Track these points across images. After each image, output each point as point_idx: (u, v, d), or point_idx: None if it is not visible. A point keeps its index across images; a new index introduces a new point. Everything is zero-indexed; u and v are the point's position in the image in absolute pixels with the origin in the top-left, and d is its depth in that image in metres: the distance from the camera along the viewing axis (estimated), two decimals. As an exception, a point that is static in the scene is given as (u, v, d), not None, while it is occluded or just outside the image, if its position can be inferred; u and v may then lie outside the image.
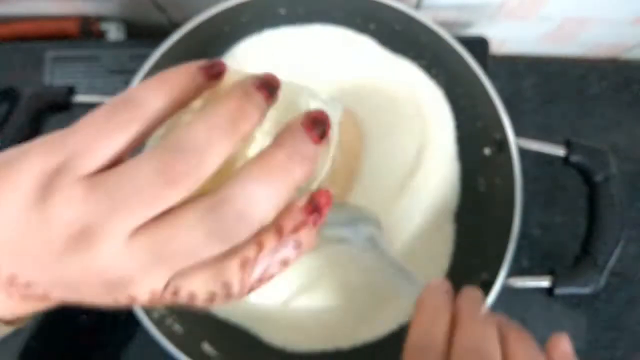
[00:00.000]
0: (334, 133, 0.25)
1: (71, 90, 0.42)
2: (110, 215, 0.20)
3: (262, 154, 0.22)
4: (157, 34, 0.44)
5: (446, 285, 0.31)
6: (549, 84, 0.56)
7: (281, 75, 0.24)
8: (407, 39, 0.46)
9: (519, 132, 0.41)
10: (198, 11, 0.43)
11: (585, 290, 0.39)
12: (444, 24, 0.43)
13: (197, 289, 0.22)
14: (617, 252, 0.39)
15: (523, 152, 0.41)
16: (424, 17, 0.43)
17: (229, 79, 0.24)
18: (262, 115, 0.23)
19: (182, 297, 0.22)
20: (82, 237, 0.20)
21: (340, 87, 0.46)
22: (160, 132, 0.23)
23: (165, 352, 0.38)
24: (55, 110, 0.42)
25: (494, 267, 0.39)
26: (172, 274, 0.21)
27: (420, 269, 0.44)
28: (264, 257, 0.22)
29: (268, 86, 0.23)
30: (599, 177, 0.40)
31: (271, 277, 0.23)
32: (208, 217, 0.21)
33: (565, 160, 0.41)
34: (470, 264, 0.43)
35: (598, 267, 0.39)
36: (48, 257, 0.20)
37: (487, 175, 0.44)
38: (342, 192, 0.42)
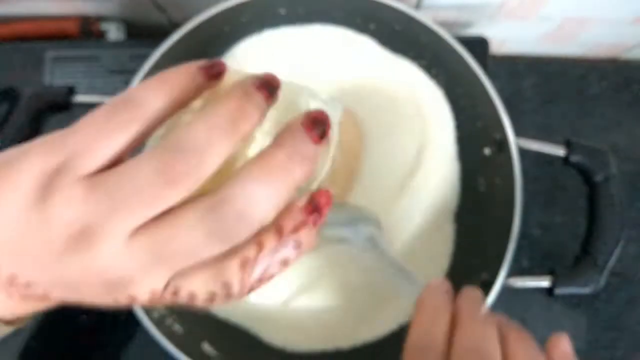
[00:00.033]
0: (334, 133, 0.25)
1: (71, 90, 0.42)
2: (110, 215, 0.20)
3: (262, 154, 0.22)
4: (157, 34, 0.44)
5: (446, 285, 0.31)
6: (549, 84, 0.56)
7: (281, 75, 0.24)
8: (407, 39, 0.46)
9: (519, 132, 0.41)
10: (198, 11, 0.43)
11: (585, 290, 0.39)
12: (444, 24, 0.43)
13: (197, 289, 0.22)
14: (617, 252, 0.39)
15: (523, 152, 0.41)
16: (424, 17, 0.43)
17: (229, 79, 0.24)
18: (262, 115, 0.23)
19: (182, 297, 0.22)
20: (82, 237, 0.20)
21: (340, 87, 0.46)
22: (160, 132, 0.23)
23: (165, 352, 0.38)
24: (55, 110, 0.42)
25: (494, 267, 0.39)
26: (172, 274, 0.21)
27: (420, 268, 0.44)
28: (264, 257, 0.22)
29: (268, 86, 0.23)
30: (599, 177, 0.40)
31: (271, 277, 0.23)
32: (208, 217, 0.21)
33: (565, 160, 0.41)
34: (470, 264, 0.43)
35: (598, 267, 0.39)
36: (48, 257, 0.20)
37: (487, 175, 0.44)
38: (342, 192, 0.42)
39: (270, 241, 0.22)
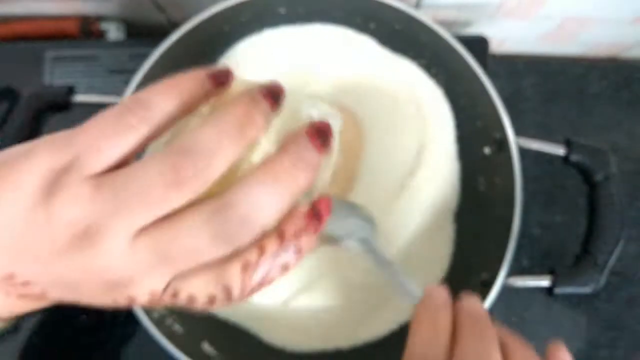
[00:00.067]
0: (335, 142, 0.26)
1: (71, 90, 0.42)
2: (116, 215, 0.20)
3: (268, 160, 0.22)
4: (156, 34, 0.44)
5: (444, 294, 0.30)
6: (548, 83, 0.56)
7: (283, 79, 0.25)
8: (407, 38, 0.46)
9: (518, 132, 0.41)
10: (198, 11, 0.42)
11: (585, 289, 0.39)
12: (444, 23, 0.43)
13: (197, 292, 0.22)
14: (617, 251, 0.39)
15: (523, 152, 0.41)
16: (424, 16, 0.43)
17: (235, 87, 0.24)
18: (268, 121, 0.23)
19: (182, 299, 0.22)
20: (86, 236, 0.20)
21: (340, 86, 0.46)
22: (164, 138, 0.23)
23: (165, 351, 0.38)
24: (55, 110, 0.42)
25: (494, 266, 0.39)
26: (172, 276, 0.21)
27: (420, 268, 0.44)
28: (265, 261, 0.22)
29: (274, 94, 0.23)
30: (599, 177, 0.40)
31: (271, 281, 0.23)
32: (213, 220, 0.21)
33: (565, 159, 0.41)
34: (470, 263, 0.43)
35: (598, 266, 0.39)
36: (49, 255, 0.20)
37: (487, 174, 0.44)
38: (342, 192, 0.42)
39: (271, 245, 0.22)
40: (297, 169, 0.22)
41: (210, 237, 0.21)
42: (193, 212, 0.21)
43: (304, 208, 0.23)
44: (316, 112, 0.27)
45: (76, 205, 0.20)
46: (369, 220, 0.37)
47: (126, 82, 0.41)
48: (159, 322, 0.39)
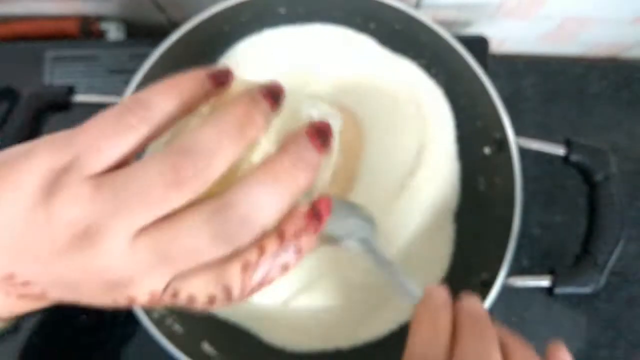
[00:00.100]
0: (335, 142, 0.26)
1: (71, 90, 0.42)
2: (116, 215, 0.20)
3: (267, 161, 0.22)
4: (156, 34, 0.44)
5: (444, 294, 0.30)
6: (548, 83, 0.56)
7: (283, 79, 0.25)
8: (406, 38, 0.46)
9: (518, 132, 0.41)
10: (198, 11, 0.42)
11: (585, 289, 0.39)
12: (444, 23, 0.43)
13: (197, 291, 0.22)
14: (617, 251, 0.39)
15: (523, 152, 0.41)
16: (424, 16, 0.43)
17: (235, 87, 0.25)
18: (268, 121, 0.23)
19: (182, 299, 0.22)
20: (86, 236, 0.20)
21: (340, 86, 0.46)
22: (164, 138, 0.23)
23: (165, 351, 0.38)
24: (54, 110, 0.42)
25: (494, 266, 0.39)
26: (172, 276, 0.21)
27: (420, 268, 0.44)
28: (265, 261, 0.22)
29: (274, 94, 0.24)
30: (599, 177, 0.40)
31: (271, 281, 0.23)
32: (213, 220, 0.21)
33: (565, 159, 0.41)
34: (470, 263, 0.43)
35: (598, 266, 0.39)
36: (50, 255, 0.20)
37: (487, 174, 0.44)
38: (342, 192, 0.42)
39: (272, 245, 0.22)
40: (297, 169, 0.22)
41: (210, 237, 0.21)
42: (193, 212, 0.21)
43: (304, 208, 0.23)
44: (316, 112, 0.27)
45: (76, 205, 0.20)
46: (369, 220, 0.37)
47: (126, 82, 0.41)
48: (159, 322, 0.39)
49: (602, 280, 0.39)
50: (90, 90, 0.51)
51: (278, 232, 0.22)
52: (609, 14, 0.51)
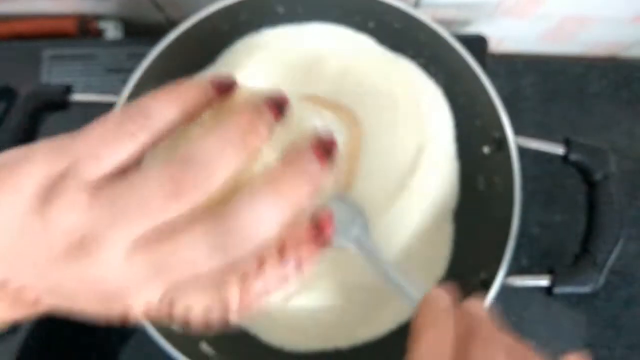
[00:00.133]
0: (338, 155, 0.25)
1: (68, 89, 0.42)
2: (113, 224, 0.20)
3: (270, 172, 0.22)
4: (154, 33, 0.44)
5: (448, 299, 0.29)
6: (548, 83, 0.56)
7: (282, 79, 0.24)
8: (405, 37, 0.45)
9: (518, 131, 0.41)
10: (196, 10, 0.42)
11: (585, 289, 0.39)
12: (443, 22, 0.43)
13: (194, 303, 0.21)
14: (616, 250, 0.39)
15: (522, 151, 0.41)
16: (423, 15, 0.43)
17: (239, 95, 0.24)
18: (271, 132, 0.23)
19: (178, 311, 0.21)
20: (82, 245, 0.20)
21: (338, 85, 0.46)
22: (163, 144, 0.23)
23: (164, 351, 0.38)
24: (52, 109, 0.42)
25: (493, 266, 0.39)
26: (169, 287, 0.21)
27: (419, 268, 0.44)
28: (264, 274, 0.22)
29: (278, 105, 0.23)
30: (598, 176, 0.40)
31: (269, 294, 0.22)
32: (212, 231, 0.20)
33: (565, 158, 0.41)
34: (469, 262, 0.43)
35: (597, 265, 0.39)
36: (45, 262, 0.20)
37: (486, 174, 0.44)
38: (341, 191, 0.42)
39: (271, 258, 0.22)
40: (299, 181, 0.22)
41: (208, 248, 0.20)
42: (193, 223, 0.20)
43: (305, 221, 0.23)
44: (320, 122, 0.26)
45: (73, 212, 0.20)
46: (359, 214, 0.37)
47: (124, 81, 0.40)
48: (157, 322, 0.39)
49: (602, 279, 0.39)
50: (87, 89, 0.51)
51: (278, 245, 0.22)
52: (609, 13, 0.51)
